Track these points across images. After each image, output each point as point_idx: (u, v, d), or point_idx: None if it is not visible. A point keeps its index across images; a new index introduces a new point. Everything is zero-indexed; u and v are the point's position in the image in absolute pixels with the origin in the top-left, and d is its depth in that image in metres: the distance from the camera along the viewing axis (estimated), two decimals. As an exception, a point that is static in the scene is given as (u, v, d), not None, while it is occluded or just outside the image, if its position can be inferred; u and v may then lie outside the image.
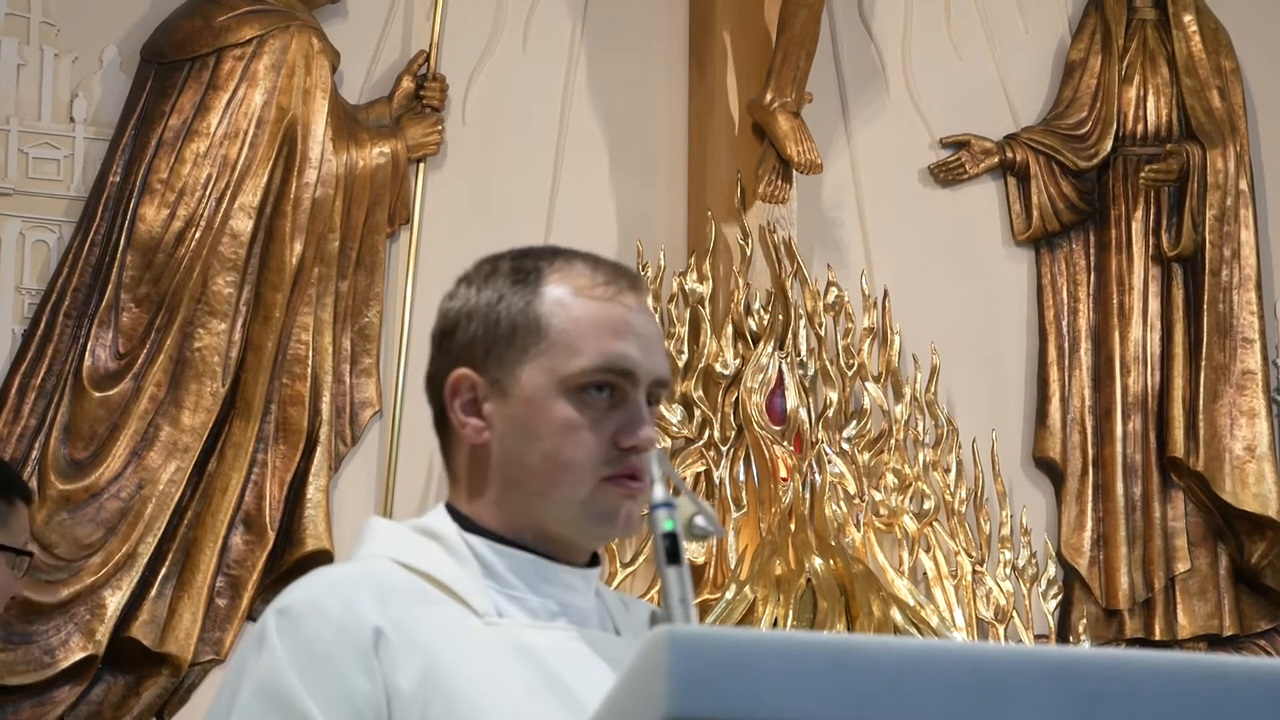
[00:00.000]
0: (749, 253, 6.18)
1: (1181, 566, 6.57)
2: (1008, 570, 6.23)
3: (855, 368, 6.25)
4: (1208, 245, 6.66)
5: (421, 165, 6.08)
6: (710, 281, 6.15)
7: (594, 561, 2.47)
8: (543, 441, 2.38)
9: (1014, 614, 6.15)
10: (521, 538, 2.41)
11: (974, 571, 6.13)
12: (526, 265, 2.44)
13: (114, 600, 5.55)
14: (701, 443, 6.03)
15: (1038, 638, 6.24)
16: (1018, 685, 1.87)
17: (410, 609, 2.32)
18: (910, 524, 6.11)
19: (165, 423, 5.66)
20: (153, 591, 5.62)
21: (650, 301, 6.03)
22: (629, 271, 2.48)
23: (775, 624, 5.72)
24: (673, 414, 6.02)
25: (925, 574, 6.09)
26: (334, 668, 2.26)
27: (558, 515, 2.39)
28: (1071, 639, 6.33)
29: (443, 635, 2.31)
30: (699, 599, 5.66)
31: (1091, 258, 6.75)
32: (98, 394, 5.62)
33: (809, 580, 5.84)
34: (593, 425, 2.37)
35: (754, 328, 6.12)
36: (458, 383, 2.42)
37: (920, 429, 6.26)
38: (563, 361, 2.38)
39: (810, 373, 6.16)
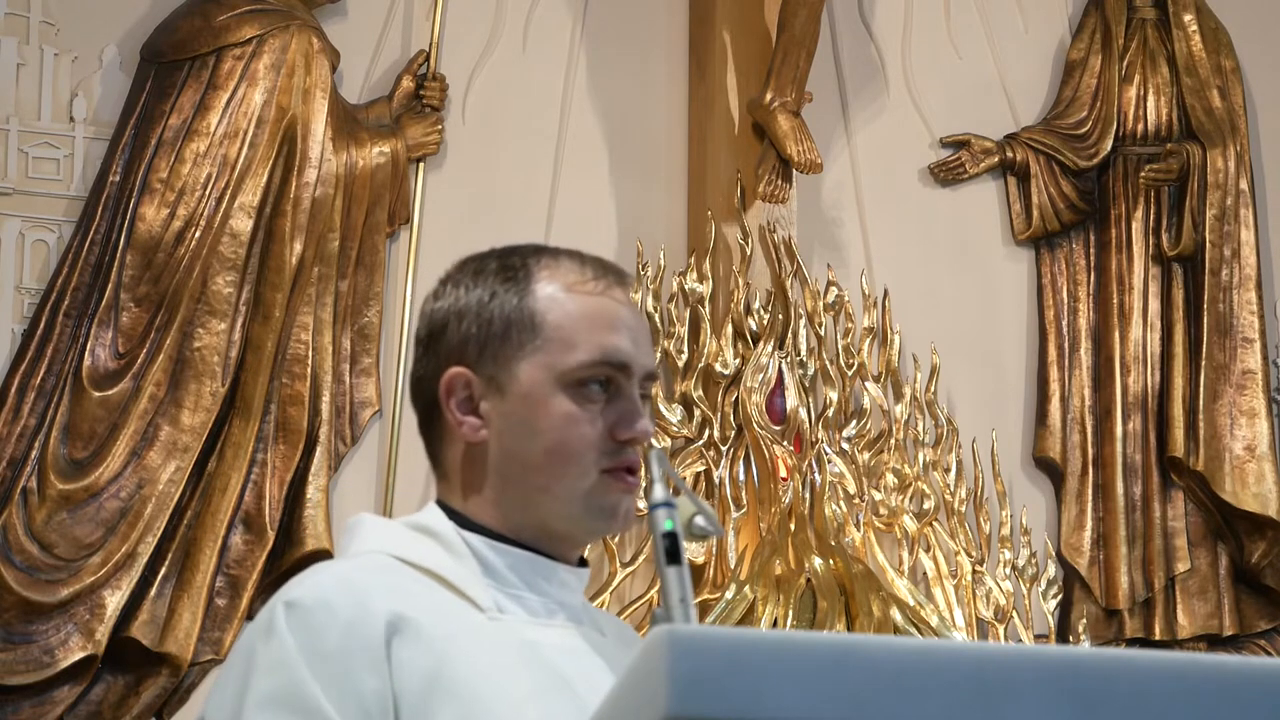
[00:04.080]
0: (749, 252, 6.18)
1: (1181, 566, 6.57)
2: (1008, 570, 6.23)
3: (855, 367, 6.25)
4: (1208, 245, 6.66)
5: (421, 165, 6.08)
6: (710, 281, 6.15)
7: (583, 563, 2.49)
8: (544, 436, 2.38)
9: (1014, 614, 6.15)
10: (519, 536, 2.42)
11: (974, 571, 6.13)
12: (514, 263, 2.45)
13: (114, 600, 5.55)
14: (701, 442, 6.03)
15: (1038, 638, 6.24)
16: (1018, 685, 1.86)
17: (418, 604, 2.31)
18: (910, 524, 6.11)
19: (165, 422, 5.66)
20: (152, 591, 5.62)
21: (650, 300, 6.04)
22: (615, 266, 2.50)
23: (775, 624, 5.72)
24: (673, 414, 6.01)
25: (925, 574, 6.09)
26: (343, 664, 2.25)
27: (559, 510, 2.40)
28: (1071, 639, 6.33)
29: (450, 630, 2.31)
30: (699, 599, 5.65)
31: (1091, 257, 6.75)
32: (97, 394, 5.62)
33: (809, 580, 5.84)
34: (591, 418, 2.39)
35: (754, 327, 6.12)
36: (452, 381, 2.43)
37: (920, 429, 6.26)
38: (560, 356, 2.39)
39: (810, 372, 6.16)
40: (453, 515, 2.43)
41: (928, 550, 6.11)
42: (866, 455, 6.17)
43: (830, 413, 6.15)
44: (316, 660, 2.25)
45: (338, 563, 2.40)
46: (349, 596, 2.29)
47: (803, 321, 6.19)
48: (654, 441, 2.51)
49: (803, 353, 6.16)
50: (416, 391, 2.50)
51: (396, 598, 2.30)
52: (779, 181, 6.24)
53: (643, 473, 2.39)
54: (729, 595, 5.77)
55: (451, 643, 2.29)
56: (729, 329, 6.11)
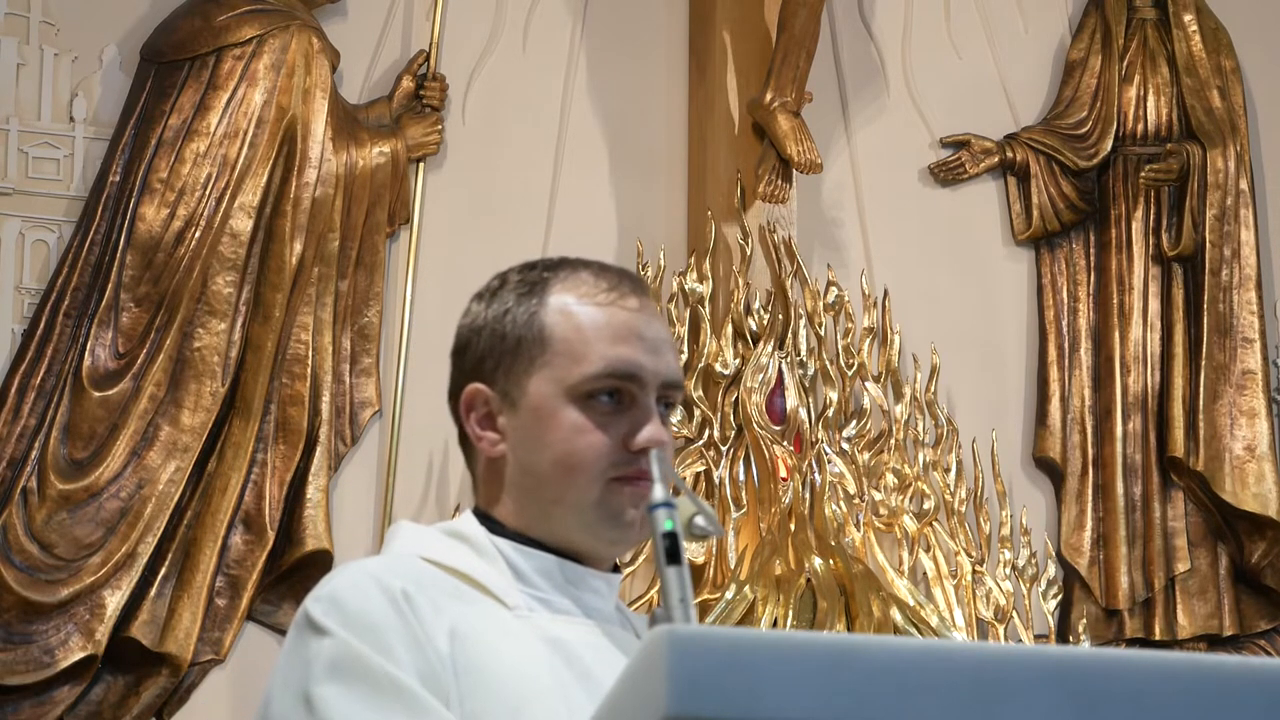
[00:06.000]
0: (749, 252, 6.18)
1: (1181, 566, 6.57)
2: (1008, 570, 6.22)
3: (855, 368, 6.24)
4: (1208, 245, 6.66)
5: (421, 165, 6.08)
6: (710, 281, 6.15)
7: (616, 569, 2.50)
8: (552, 448, 2.40)
9: (1014, 614, 6.14)
10: (547, 543, 2.43)
11: (974, 571, 6.13)
12: (532, 277, 2.47)
13: (114, 600, 5.55)
14: (701, 442, 6.03)
15: (1038, 638, 6.24)
16: (1018, 685, 1.86)
17: (441, 595, 2.34)
18: (910, 524, 6.11)
19: (165, 422, 5.66)
20: (152, 591, 5.62)
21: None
22: (634, 276, 2.51)
23: (775, 624, 5.72)
24: (672, 414, 6.01)
25: (925, 574, 6.09)
26: (389, 636, 2.27)
27: (573, 521, 2.41)
28: (1071, 639, 6.32)
29: (473, 621, 2.33)
30: (699, 599, 5.65)
31: (1091, 257, 6.75)
32: (97, 394, 5.62)
33: (809, 580, 5.84)
34: (601, 428, 2.40)
35: (754, 327, 6.11)
36: (471, 398, 2.45)
37: (920, 429, 6.26)
38: (567, 369, 2.41)
39: (810, 373, 6.16)
40: (485, 521, 2.46)
41: (928, 550, 6.11)
42: (866, 455, 6.17)
43: (830, 413, 6.15)
44: (363, 632, 2.27)
45: (358, 561, 2.43)
46: (369, 583, 2.31)
47: (803, 321, 6.19)
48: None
49: (803, 353, 6.16)
50: (450, 407, 2.51)
51: (417, 585, 2.32)
52: (779, 181, 6.24)
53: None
54: (729, 595, 5.77)
55: (471, 631, 2.31)
56: (729, 329, 6.11)
